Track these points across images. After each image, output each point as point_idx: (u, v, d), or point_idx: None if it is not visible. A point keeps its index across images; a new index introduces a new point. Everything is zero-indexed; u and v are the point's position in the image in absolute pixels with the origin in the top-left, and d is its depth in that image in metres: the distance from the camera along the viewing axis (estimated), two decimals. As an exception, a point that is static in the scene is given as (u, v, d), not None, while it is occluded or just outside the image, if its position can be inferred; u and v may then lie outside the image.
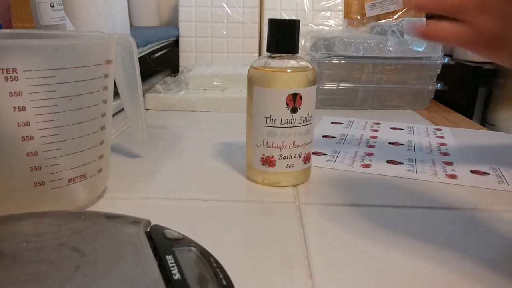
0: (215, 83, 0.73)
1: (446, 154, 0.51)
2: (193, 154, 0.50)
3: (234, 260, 0.29)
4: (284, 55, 0.38)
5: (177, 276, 0.21)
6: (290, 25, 0.37)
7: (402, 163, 0.47)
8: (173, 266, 0.22)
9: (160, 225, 0.26)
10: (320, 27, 0.88)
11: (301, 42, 0.78)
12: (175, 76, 0.81)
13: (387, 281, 0.27)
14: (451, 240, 0.32)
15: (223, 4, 0.87)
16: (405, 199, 0.39)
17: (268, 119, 0.38)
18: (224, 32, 0.87)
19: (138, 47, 0.54)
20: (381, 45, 0.70)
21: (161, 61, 0.89)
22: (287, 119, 0.38)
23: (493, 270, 0.29)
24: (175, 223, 0.28)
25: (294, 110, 0.37)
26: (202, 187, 0.40)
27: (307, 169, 0.41)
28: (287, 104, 0.37)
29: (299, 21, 0.38)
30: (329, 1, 0.89)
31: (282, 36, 0.38)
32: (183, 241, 0.25)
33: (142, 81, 0.42)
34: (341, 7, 0.89)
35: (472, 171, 0.45)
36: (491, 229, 0.34)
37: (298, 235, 0.32)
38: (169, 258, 0.22)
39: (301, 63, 0.39)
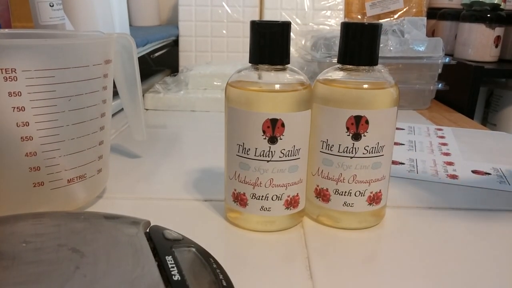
0: (215, 83, 0.73)
1: (447, 154, 0.51)
2: (193, 154, 0.50)
3: (234, 260, 0.29)
4: (270, 66, 0.30)
5: (176, 277, 0.21)
6: (277, 29, 0.29)
7: (403, 163, 0.47)
8: (172, 267, 0.21)
9: (160, 226, 0.26)
10: (321, 26, 0.88)
11: (302, 41, 0.78)
12: (174, 75, 0.81)
13: (386, 281, 0.27)
14: (452, 240, 0.32)
15: (223, 3, 0.87)
16: (406, 199, 0.38)
17: (241, 148, 0.31)
18: (224, 31, 0.87)
19: (137, 46, 0.54)
20: (381, 45, 0.70)
21: (160, 61, 0.89)
22: (264, 151, 0.30)
23: (493, 271, 0.28)
24: (175, 224, 0.27)
25: (272, 140, 0.30)
26: (202, 187, 0.40)
27: (291, 216, 0.32)
28: (264, 132, 0.30)
29: (288, 24, 0.30)
30: (330, 1, 0.88)
31: (267, 43, 0.29)
32: (182, 241, 0.25)
33: (141, 81, 0.42)
34: (341, 7, 0.88)
35: (473, 171, 0.45)
36: (492, 230, 0.34)
37: (299, 235, 0.32)
38: (169, 258, 0.22)
39: (295, 77, 0.31)
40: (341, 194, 0.32)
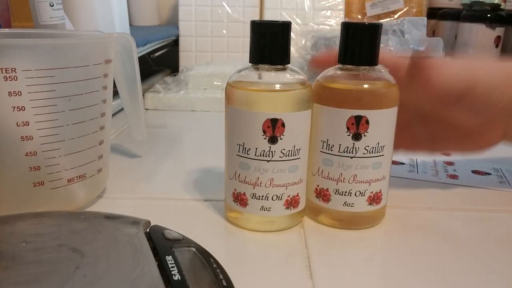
0: (215, 83, 0.73)
1: (447, 154, 0.51)
2: (193, 154, 0.50)
3: (234, 260, 0.29)
4: (271, 66, 0.30)
5: (177, 277, 0.21)
6: (278, 29, 0.29)
7: (403, 163, 0.47)
8: (172, 267, 0.21)
9: (160, 226, 0.26)
10: (321, 26, 0.88)
11: (302, 41, 0.78)
12: (175, 75, 0.81)
13: (387, 281, 0.27)
14: (452, 240, 0.32)
15: (223, 3, 0.87)
16: (406, 199, 0.38)
17: (241, 148, 0.31)
18: (224, 31, 0.87)
19: (137, 46, 0.54)
20: (382, 45, 0.70)
21: (160, 61, 0.89)
22: (264, 151, 0.30)
23: (493, 271, 0.28)
24: (175, 224, 0.27)
25: (272, 140, 0.30)
26: (202, 187, 0.40)
27: (291, 216, 0.32)
28: (264, 132, 0.30)
29: (288, 24, 0.30)
30: (330, 1, 0.88)
31: (267, 43, 0.30)
32: (182, 241, 0.25)
33: (141, 81, 0.42)
34: (341, 7, 0.88)
35: (474, 171, 0.45)
36: (492, 230, 0.34)
37: (299, 235, 0.32)
38: (169, 258, 0.22)
39: (295, 76, 0.31)
40: (342, 194, 0.32)
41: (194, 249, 0.24)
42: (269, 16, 0.87)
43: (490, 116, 0.32)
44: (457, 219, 0.35)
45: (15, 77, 0.28)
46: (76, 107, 0.31)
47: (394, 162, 0.47)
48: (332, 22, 0.88)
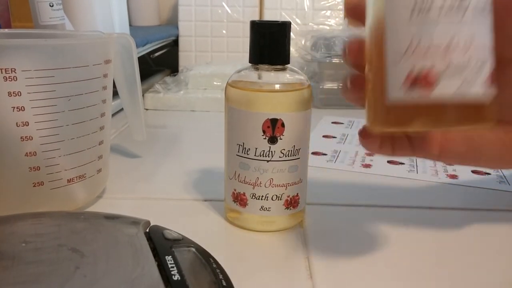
0: (215, 83, 0.73)
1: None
2: (193, 154, 0.50)
3: (234, 260, 0.29)
4: (270, 66, 0.30)
5: (176, 277, 0.21)
6: (277, 29, 0.29)
7: (403, 163, 0.47)
8: (172, 267, 0.21)
9: (160, 226, 0.26)
10: (321, 26, 0.88)
11: (302, 41, 0.78)
12: (174, 75, 0.81)
13: (387, 281, 0.27)
14: (452, 240, 0.32)
15: (223, 3, 0.87)
16: (406, 200, 0.38)
17: (241, 147, 0.31)
18: (224, 31, 0.87)
19: (137, 46, 0.54)
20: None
21: (160, 61, 0.89)
22: (263, 151, 0.30)
23: (493, 271, 0.28)
24: (175, 224, 0.27)
25: (272, 140, 0.30)
26: (202, 187, 0.40)
27: (291, 216, 0.32)
28: (264, 132, 0.30)
29: (288, 24, 0.30)
30: (330, 1, 0.88)
31: (266, 43, 0.30)
32: (182, 241, 0.25)
33: (141, 81, 0.42)
34: (341, 7, 0.88)
35: (473, 171, 0.45)
36: (492, 230, 0.34)
37: (299, 235, 0.32)
38: (169, 258, 0.22)
39: (295, 76, 0.31)
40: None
41: (194, 249, 0.24)
42: (269, 16, 0.87)
43: None
44: (457, 219, 0.35)
45: (15, 77, 0.28)
46: (76, 107, 0.31)
47: (394, 163, 0.47)
48: (331, 22, 0.88)
